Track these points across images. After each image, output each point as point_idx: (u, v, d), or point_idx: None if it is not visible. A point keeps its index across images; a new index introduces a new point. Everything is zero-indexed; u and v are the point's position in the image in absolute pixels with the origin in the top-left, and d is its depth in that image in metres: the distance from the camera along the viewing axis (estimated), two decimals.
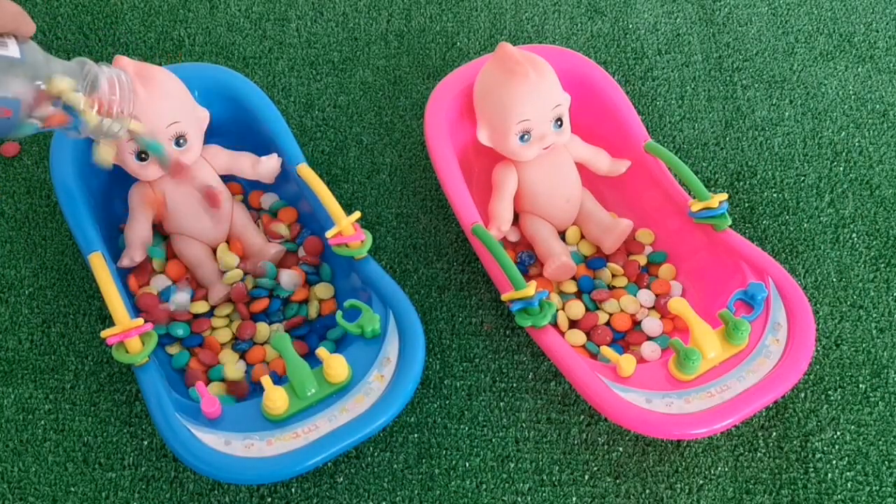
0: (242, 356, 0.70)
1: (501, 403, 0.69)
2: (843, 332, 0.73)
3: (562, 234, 0.78)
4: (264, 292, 0.72)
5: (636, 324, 0.72)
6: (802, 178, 0.83)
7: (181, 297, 0.70)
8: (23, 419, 0.67)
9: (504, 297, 0.67)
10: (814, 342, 0.65)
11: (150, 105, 0.66)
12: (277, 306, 0.71)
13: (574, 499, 0.65)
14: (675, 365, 0.64)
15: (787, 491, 0.65)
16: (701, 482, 0.66)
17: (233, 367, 0.68)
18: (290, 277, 0.72)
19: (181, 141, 0.69)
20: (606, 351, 0.66)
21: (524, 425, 0.68)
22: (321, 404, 0.61)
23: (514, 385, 0.70)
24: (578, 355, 0.65)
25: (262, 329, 0.71)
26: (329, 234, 0.68)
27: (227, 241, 0.75)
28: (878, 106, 0.89)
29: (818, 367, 0.71)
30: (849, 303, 0.75)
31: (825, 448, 0.67)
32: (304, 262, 0.74)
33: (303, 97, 0.88)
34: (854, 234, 0.79)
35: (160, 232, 0.75)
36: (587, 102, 0.78)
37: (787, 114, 0.88)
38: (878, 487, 0.66)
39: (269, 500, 0.64)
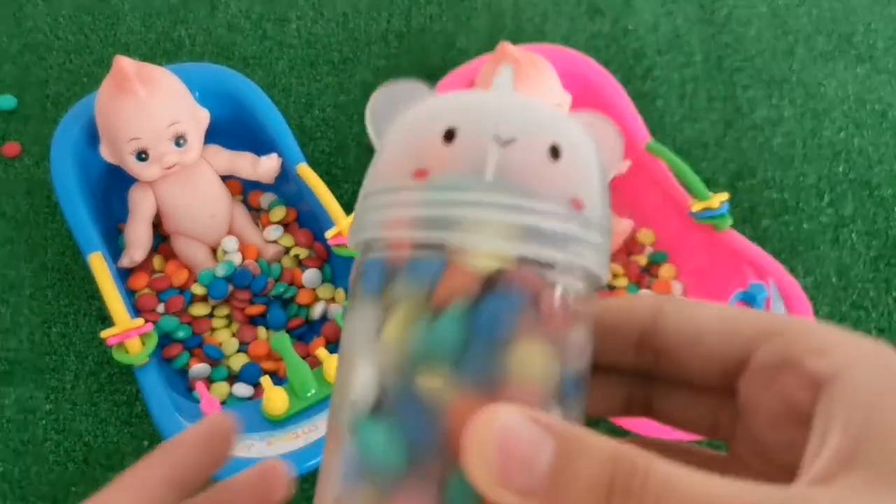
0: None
1: None
2: None
3: None
4: (263, 299, 0.71)
5: None
6: (802, 178, 0.83)
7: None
8: (23, 419, 0.67)
9: None
10: None
11: (150, 105, 0.66)
12: (277, 313, 0.71)
13: None
14: None
15: None
16: None
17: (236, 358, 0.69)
18: (312, 275, 0.72)
19: (181, 141, 0.69)
20: None
21: None
22: (321, 404, 0.61)
23: None
24: None
25: (262, 333, 0.71)
26: (329, 234, 0.68)
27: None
28: (877, 106, 0.89)
29: None
30: (849, 303, 0.75)
31: None
32: (305, 264, 0.74)
33: (303, 97, 0.87)
34: (854, 235, 0.79)
35: (160, 232, 0.75)
36: (587, 102, 0.78)
37: (786, 114, 0.88)
38: None
39: None
